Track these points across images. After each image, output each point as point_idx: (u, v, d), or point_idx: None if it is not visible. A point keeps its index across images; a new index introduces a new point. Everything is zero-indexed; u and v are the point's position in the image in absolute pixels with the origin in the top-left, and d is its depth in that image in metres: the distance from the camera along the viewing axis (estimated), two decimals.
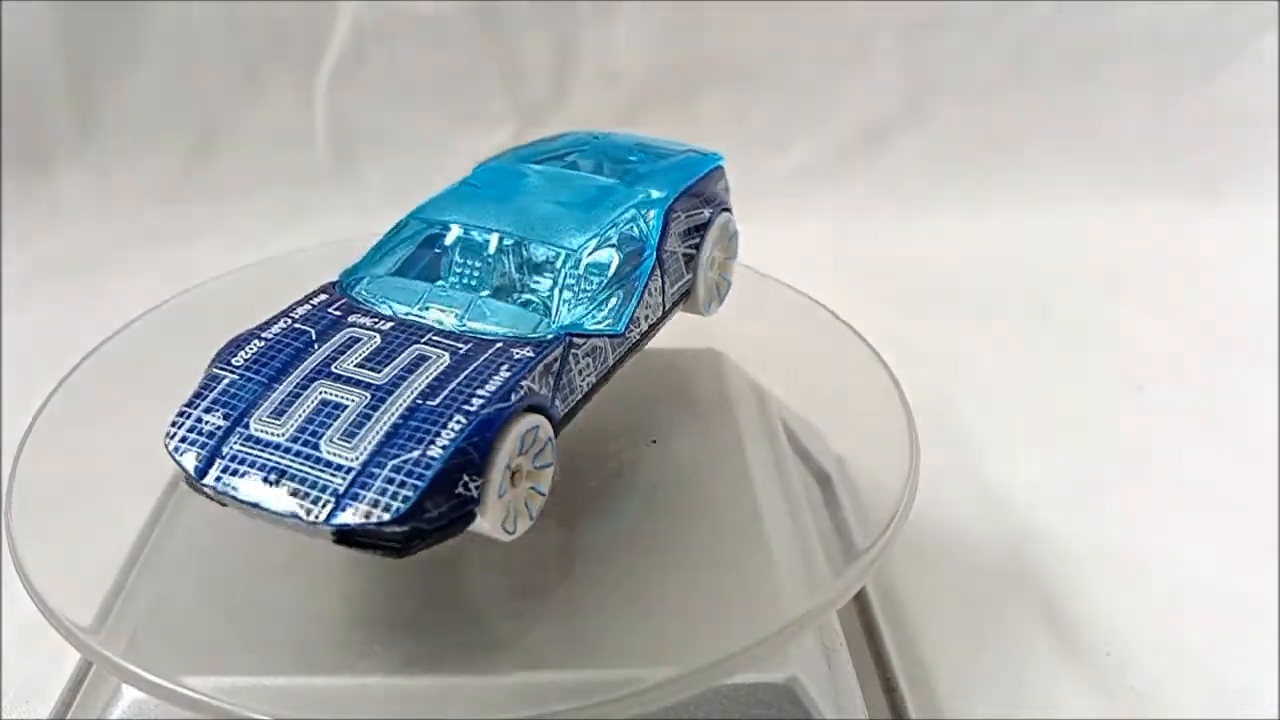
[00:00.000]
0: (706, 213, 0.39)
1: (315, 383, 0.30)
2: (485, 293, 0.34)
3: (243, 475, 0.28)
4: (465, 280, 0.34)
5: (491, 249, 0.35)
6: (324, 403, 0.29)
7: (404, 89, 0.83)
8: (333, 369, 0.30)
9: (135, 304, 0.45)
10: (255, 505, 0.28)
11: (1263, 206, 0.80)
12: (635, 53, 0.84)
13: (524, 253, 0.35)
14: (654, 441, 0.38)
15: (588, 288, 0.34)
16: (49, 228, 0.80)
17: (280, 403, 0.30)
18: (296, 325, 0.32)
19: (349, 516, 0.27)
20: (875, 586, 0.44)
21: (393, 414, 0.29)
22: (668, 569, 0.33)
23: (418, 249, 0.35)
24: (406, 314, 0.33)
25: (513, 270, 0.35)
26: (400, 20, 0.82)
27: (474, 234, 0.35)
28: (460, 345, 0.31)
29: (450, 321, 0.32)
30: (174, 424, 0.30)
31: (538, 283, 0.34)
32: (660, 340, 0.40)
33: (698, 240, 0.39)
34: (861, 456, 0.43)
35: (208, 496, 0.29)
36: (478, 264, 0.35)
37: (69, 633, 0.29)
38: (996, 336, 0.68)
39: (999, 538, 0.49)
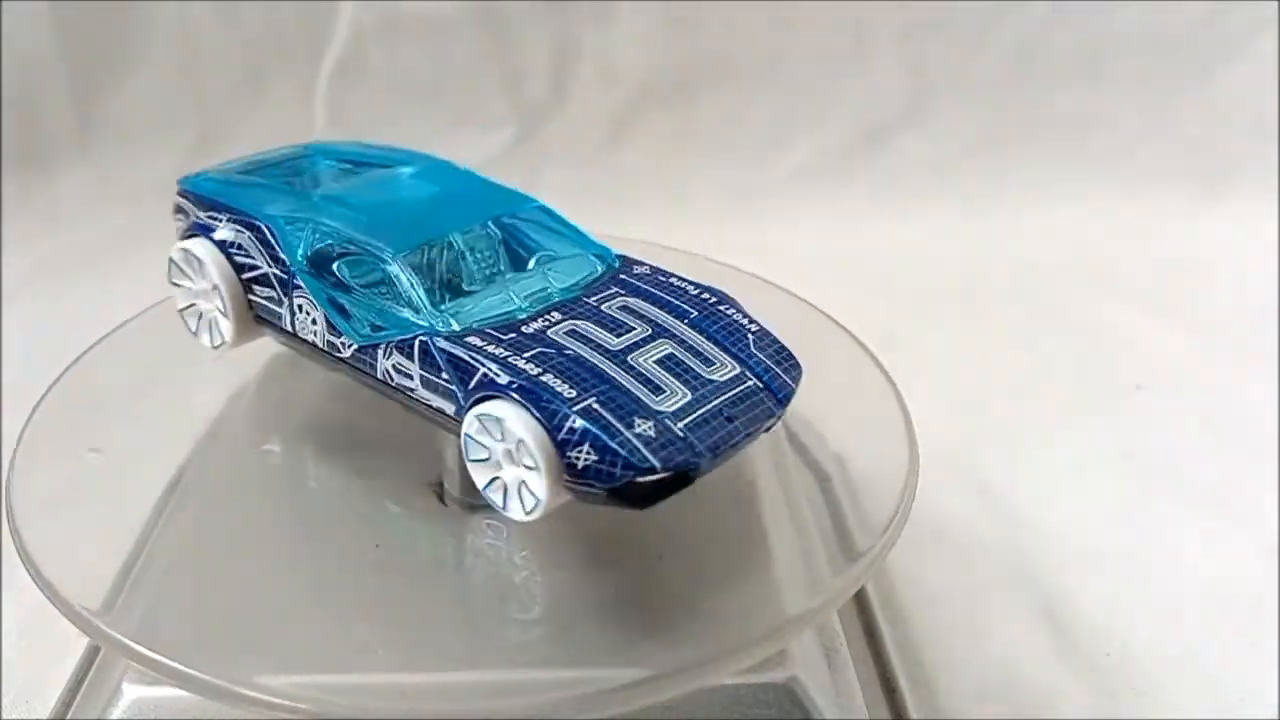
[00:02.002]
0: None
1: (629, 359, 0.30)
2: (550, 263, 0.35)
3: (719, 437, 0.29)
4: (525, 269, 0.35)
5: (494, 239, 0.35)
6: (659, 363, 0.30)
7: (404, 89, 0.84)
8: (615, 349, 0.30)
9: (135, 304, 0.45)
10: (740, 444, 0.29)
11: (1263, 206, 0.80)
12: (635, 53, 0.84)
13: (514, 229, 0.36)
14: None
15: None
16: (49, 228, 0.80)
17: (646, 387, 0.29)
18: (527, 355, 0.29)
19: (789, 388, 0.32)
20: (875, 587, 0.44)
21: (695, 337, 0.32)
22: (666, 568, 0.33)
23: (434, 274, 0.34)
24: (535, 308, 0.32)
25: (541, 243, 0.36)
26: (400, 20, 0.82)
27: (461, 238, 0.34)
28: (618, 289, 0.33)
29: (566, 291, 0.33)
30: (630, 457, 0.27)
31: (552, 241, 0.36)
32: None
33: None
34: (861, 457, 0.43)
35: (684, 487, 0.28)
36: (500, 256, 0.35)
37: (79, 617, 0.29)
38: (996, 336, 0.68)
39: (999, 538, 0.49)
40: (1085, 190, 0.83)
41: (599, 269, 0.34)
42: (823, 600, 0.32)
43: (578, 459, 0.27)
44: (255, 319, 0.36)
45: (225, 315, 0.36)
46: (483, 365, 0.29)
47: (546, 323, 0.31)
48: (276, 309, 0.35)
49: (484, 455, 0.29)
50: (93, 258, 0.77)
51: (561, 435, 0.27)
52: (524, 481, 0.29)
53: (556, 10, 0.82)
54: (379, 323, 0.32)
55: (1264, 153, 0.83)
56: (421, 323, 0.31)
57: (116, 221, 0.80)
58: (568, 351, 0.30)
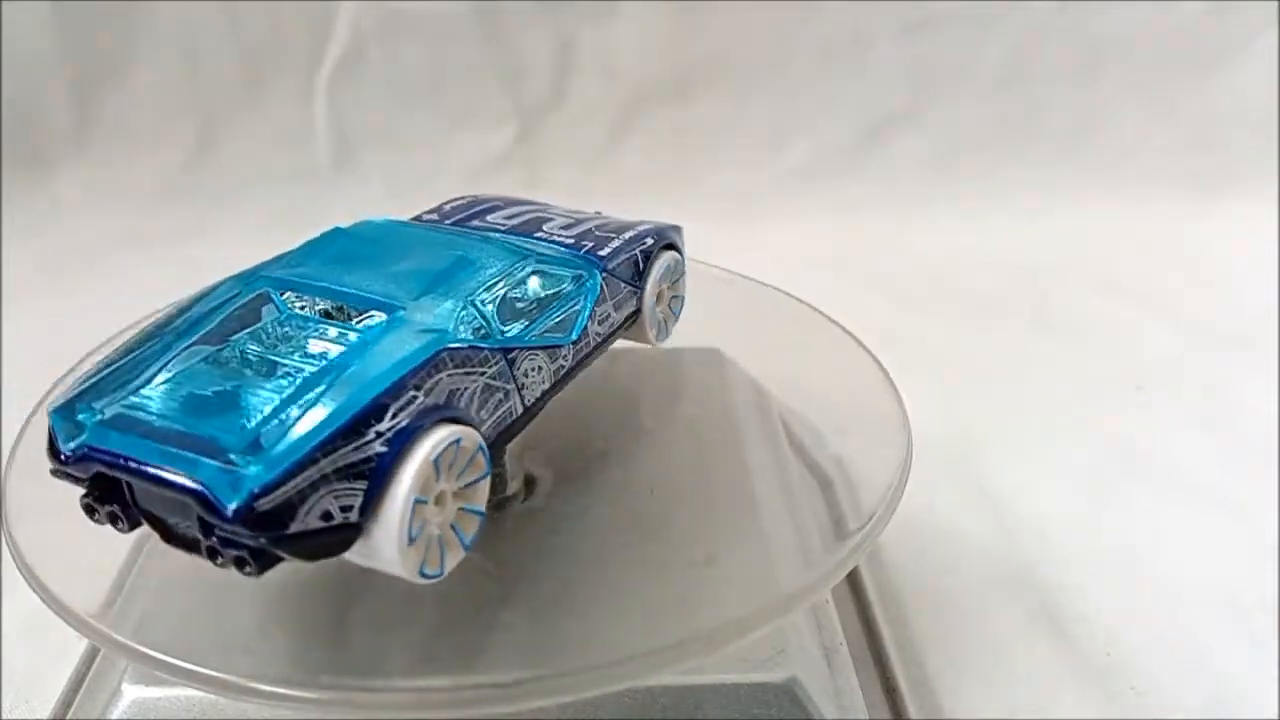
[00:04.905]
0: None
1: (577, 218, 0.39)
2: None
3: None
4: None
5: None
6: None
7: (404, 89, 0.84)
8: (566, 218, 0.39)
9: (135, 304, 0.45)
10: None
11: (1263, 206, 0.80)
12: (635, 52, 0.84)
13: None
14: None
15: None
16: (49, 226, 0.80)
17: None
18: (602, 237, 0.37)
19: None
20: (875, 587, 0.44)
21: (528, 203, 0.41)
22: (664, 560, 0.33)
23: None
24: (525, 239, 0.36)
25: None
26: (400, 20, 0.82)
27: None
28: (458, 221, 0.38)
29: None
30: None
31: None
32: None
33: None
34: (859, 455, 0.43)
35: None
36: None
37: (79, 620, 0.29)
38: (996, 336, 0.68)
39: (999, 538, 0.49)
40: (1084, 190, 0.83)
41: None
42: (817, 577, 0.31)
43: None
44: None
45: (486, 474, 0.28)
46: (633, 250, 0.36)
47: (544, 234, 0.36)
48: (507, 404, 0.30)
49: (661, 315, 0.38)
50: (93, 258, 0.77)
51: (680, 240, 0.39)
52: (674, 297, 0.39)
53: (556, 10, 0.82)
54: (546, 308, 0.32)
55: (1263, 153, 0.83)
56: (590, 268, 0.34)
57: (116, 221, 0.81)
58: (592, 225, 0.37)
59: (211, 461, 0.24)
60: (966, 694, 0.41)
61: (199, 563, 0.29)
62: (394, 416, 0.25)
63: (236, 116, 0.84)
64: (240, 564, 0.24)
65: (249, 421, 0.25)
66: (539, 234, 0.36)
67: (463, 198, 0.40)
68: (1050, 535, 0.49)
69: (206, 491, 0.24)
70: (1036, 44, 0.84)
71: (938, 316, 0.70)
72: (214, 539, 0.24)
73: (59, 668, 0.37)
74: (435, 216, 0.38)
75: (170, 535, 0.26)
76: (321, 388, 0.25)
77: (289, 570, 0.33)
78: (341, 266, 0.31)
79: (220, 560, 0.25)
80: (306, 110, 0.84)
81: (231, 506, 0.23)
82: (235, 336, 0.28)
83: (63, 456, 0.26)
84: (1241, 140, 0.84)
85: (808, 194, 0.84)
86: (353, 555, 0.26)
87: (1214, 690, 0.41)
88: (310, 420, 0.24)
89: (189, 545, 0.26)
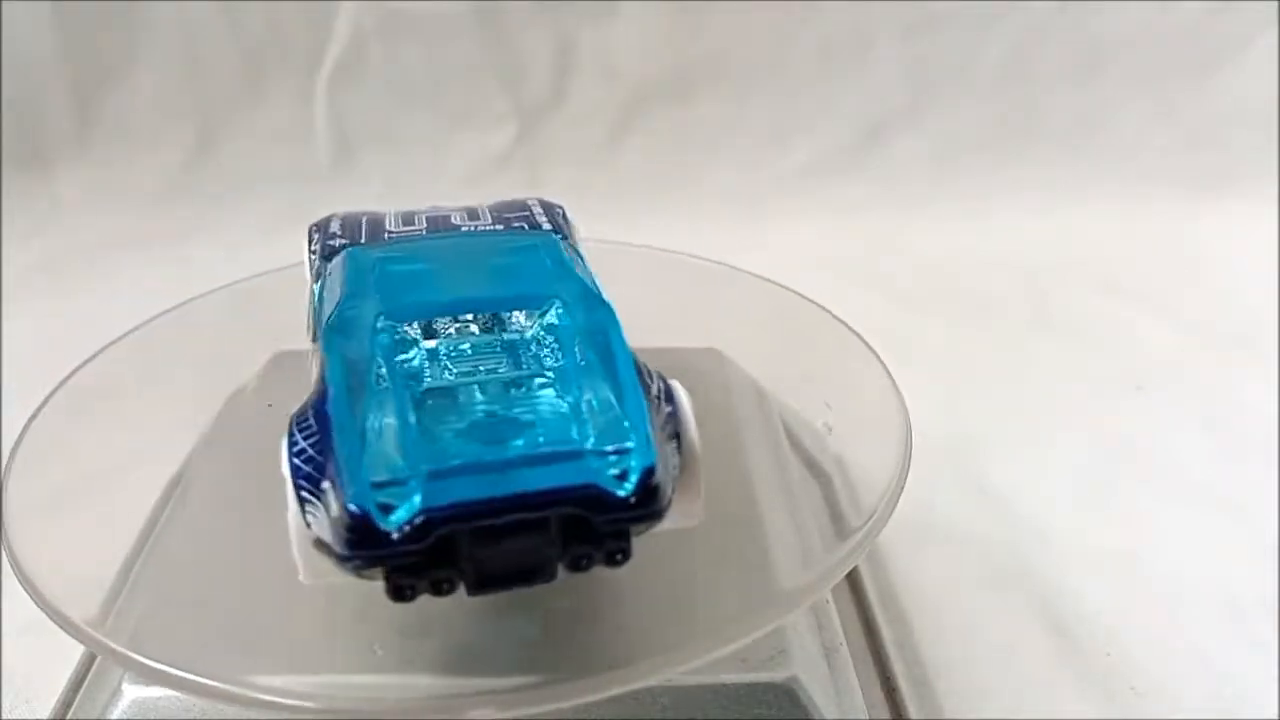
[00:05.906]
0: None
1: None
2: None
3: None
4: None
5: None
6: None
7: (404, 89, 0.84)
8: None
9: (135, 304, 0.45)
10: None
11: (1263, 206, 0.80)
12: (635, 52, 0.84)
13: None
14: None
15: None
16: (49, 226, 0.80)
17: None
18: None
19: None
20: (875, 587, 0.44)
21: None
22: (664, 560, 0.33)
23: None
24: None
25: None
26: (400, 20, 0.82)
27: None
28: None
29: None
30: None
31: None
32: (660, 340, 0.40)
33: None
34: (860, 454, 0.43)
35: None
36: None
37: (74, 627, 0.29)
38: (996, 336, 0.68)
39: (999, 537, 0.49)
40: (1085, 190, 0.83)
41: None
42: (817, 576, 0.31)
43: None
44: None
45: None
46: (557, 220, 0.36)
47: (470, 228, 0.36)
48: None
49: None
50: (93, 258, 0.77)
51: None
52: None
53: (556, 10, 0.82)
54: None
55: (1263, 152, 0.83)
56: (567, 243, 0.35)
57: (116, 221, 0.81)
58: (485, 210, 0.36)
59: (580, 463, 0.24)
60: (966, 694, 0.41)
61: (198, 565, 0.29)
62: (651, 379, 0.27)
63: (236, 116, 0.84)
64: (611, 556, 0.25)
65: (562, 424, 0.25)
66: (465, 228, 0.35)
67: (333, 216, 0.37)
68: (1050, 535, 0.49)
69: (597, 487, 0.24)
70: (1036, 44, 0.84)
71: (938, 316, 0.70)
72: (574, 546, 0.24)
73: (59, 668, 0.37)
74: (347, 240, 0.35)
75: (485, 580, 0.24)
76: (588, 376, 0.26)
77: (287, 574, 0.33)
78: (426, 287, 0.30)
79: (585, 563, 0.24)
80: (306, 110, 0.84)
81: (629, 490, 0.24)
82: (417, 373, 0.27)
83: (394, 536, 0.23)
84: (1241, 140, 0.84)
85: (808, 194, 0.84)
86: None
87: (1214, 690, 0.41)
88: (617, 402, 0.25)
89: (524, 575, 0.24)
